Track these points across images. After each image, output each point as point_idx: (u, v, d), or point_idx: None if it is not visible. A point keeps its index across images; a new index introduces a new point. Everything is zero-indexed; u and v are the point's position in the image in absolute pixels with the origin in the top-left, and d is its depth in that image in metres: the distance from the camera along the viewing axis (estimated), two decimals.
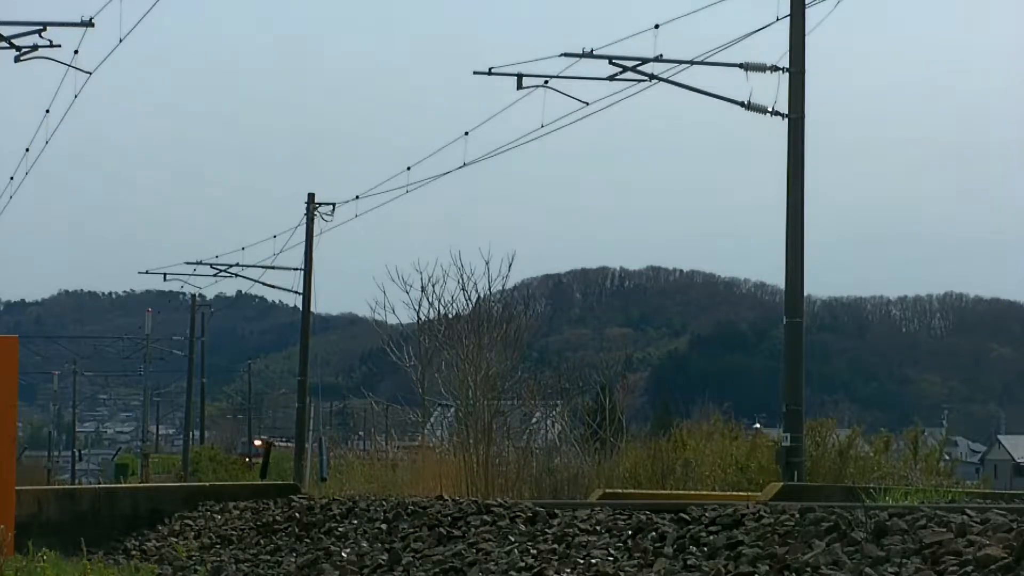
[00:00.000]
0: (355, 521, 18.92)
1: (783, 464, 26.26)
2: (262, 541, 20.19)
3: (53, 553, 18.55)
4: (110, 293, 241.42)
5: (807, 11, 27.02)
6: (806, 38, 27.09)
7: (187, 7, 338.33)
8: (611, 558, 12.71)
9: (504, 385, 34.84)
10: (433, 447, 36.63)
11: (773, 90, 27.07)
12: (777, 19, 27.02)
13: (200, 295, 77.04)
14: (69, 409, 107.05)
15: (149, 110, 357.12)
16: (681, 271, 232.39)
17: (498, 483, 31.25)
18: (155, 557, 21.05)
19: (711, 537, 12.24)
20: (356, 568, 15.68)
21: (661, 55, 28.03)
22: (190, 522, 23.85)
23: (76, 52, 26.58)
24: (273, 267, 49.92)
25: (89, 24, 25.74)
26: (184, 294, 79.49)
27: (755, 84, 27.43)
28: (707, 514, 12.98)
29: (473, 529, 15.72)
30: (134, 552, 22.16)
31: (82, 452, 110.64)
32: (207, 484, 34.56)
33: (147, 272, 58.24)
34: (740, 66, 27.61)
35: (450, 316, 37.28)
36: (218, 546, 20.88)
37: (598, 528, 13.97)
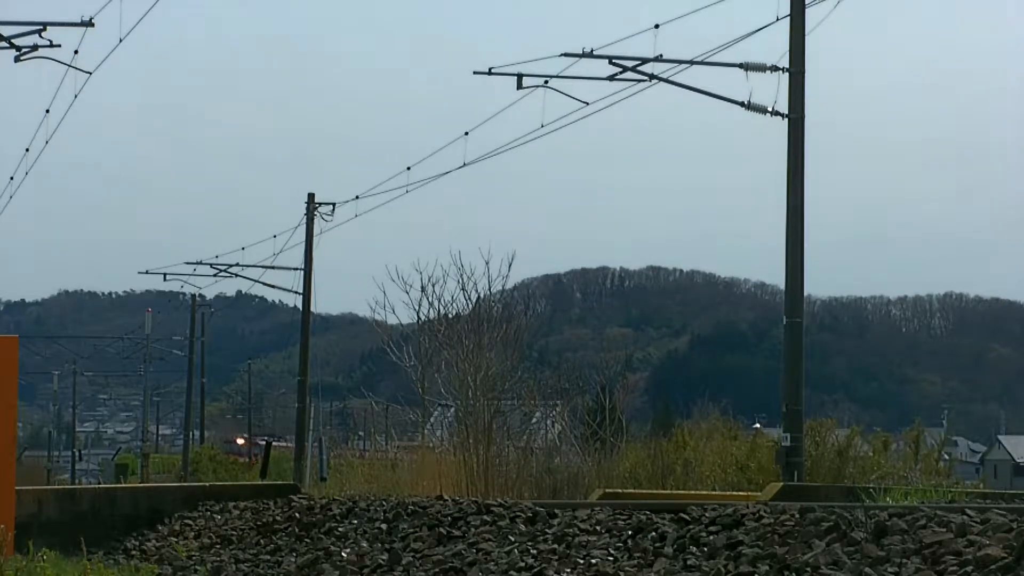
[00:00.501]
0: (355, 521, 18.92)
1: (783, 464, 26.26)
2: (262, 541, 20.19)
3: (53, 553, 18.55)
4: (110, 293, 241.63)
5: (807, 11, 27.04)
6: (806, 38, 27.11)
7: (187, 7, 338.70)
8: (611, 558, 12.71)
9: (504, 385, 34.83)
10: (433, 447, 36.61)
11: (773, 90, 27.11)
12: (777, 19, 27.05)
13: (200, 295, 77.09)
14: (69, 409, 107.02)
15: (149, 110, 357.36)
16: (681, 271, 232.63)
17: (498, 483, 31.24)
18: (155, 557, 21.05)
19: (711, 537, 12.23)
20: (356, 568, 15.68)
21: (661, 55, 28.05)
22: (190, 522, 23.84)
23: (76, 52, 26.61)
24: (273, 267, 49.98)
25: (89, 24, 25.75)
26: (184, 294, 79.52)
27: (755, 84, 27.47)
28: (707, 514, 12.98)
29: (473, 529, 15.72)
30: (134, 552, 22.17)
31: (82, 452, 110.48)
32: (207, 484, 34.53)
33: (147, 272, 58.30)
34: (740, 66, 27.61)
35: (450, 316, 37.27)
36: (218, 546, 20.88)
37: (598, 528, 13.97)
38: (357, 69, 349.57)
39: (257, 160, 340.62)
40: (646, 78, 28.42)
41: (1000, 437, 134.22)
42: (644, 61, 28.16)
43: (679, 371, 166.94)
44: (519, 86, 28.90)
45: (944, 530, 10.39)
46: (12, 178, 39.34)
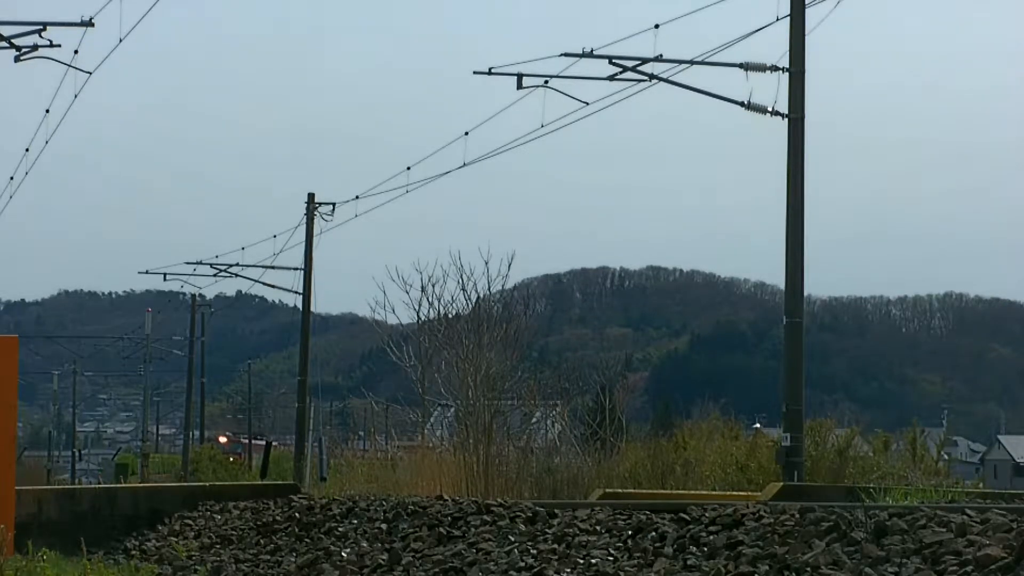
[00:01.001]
0: (355, 521, 18.91)
1: (783, 464, 26.27)
2: (262, 541, 20.18)
3: (53, 553, 18.54)
4: (110, 293, 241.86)
5: (807, 11, 27.05)
6: (806, 38, 27.11)
7: (187, 7, 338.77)
8: (611, 558, 12.70)
9: (504, 385, 34.81)
10: (433, 447, 36.59)
11: (773, 90, 27.12)
12: (777, 19, 27.06)
13: (200, 295, 77.08)
14: (69, 409, 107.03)
15: (149, 110, 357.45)
16: (681, 271, 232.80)
17: (498, 483, 31.23)
18: (155, 557, 21.04)
19: (711, 537, 12.23)
20: (356, 568, 15.68)
21: (661, 55, 28.05)
22: (190, 522, 23.83)
23: (76, 52, 26.62)
24: (273, 267, 50.01)
25: (89, 24, 25.75)
26: (184, 294, 79.54)
27: (755, 84, 27.47)
28: (707, 514, 12.98)
29: (473, 529, 15.71)
30: (134, 552, 22.15)
31: (82, 452, 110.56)
32: (207, 484, 34.52)
33: (147, 272, 58.39)
34: (740, 66, 27.61)
35: (450, 316, 37.27)
36: (218, 546, 20.88)
37: (598, 528, 13.97)
38: (357, 69, 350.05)
39: (257, 160, 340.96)
40: (646, 78, 28.42)
41: (1000, 437, 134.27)
42: (644, 61, 28.17)
43: (679, 371, 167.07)
44: (519, 86, 28.91)
45: (944, 530, 10.39)
46: (12, 178, 39.40)
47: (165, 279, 57.17)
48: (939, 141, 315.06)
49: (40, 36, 26.04)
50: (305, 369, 48.01)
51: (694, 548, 12.19)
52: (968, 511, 11.19)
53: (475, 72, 29.55)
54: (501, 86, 33.52)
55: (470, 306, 36.84)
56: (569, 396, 38.02)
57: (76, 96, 28.96)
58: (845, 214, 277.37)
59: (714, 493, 26.30)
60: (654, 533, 13.03)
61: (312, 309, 48.63)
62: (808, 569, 10.33)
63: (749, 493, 23.26)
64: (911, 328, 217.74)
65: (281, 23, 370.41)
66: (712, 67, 28.11)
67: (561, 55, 28.23)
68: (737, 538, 11.88)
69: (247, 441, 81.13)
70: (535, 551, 13.64)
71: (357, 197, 43.68)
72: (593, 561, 12.66)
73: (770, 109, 27.20)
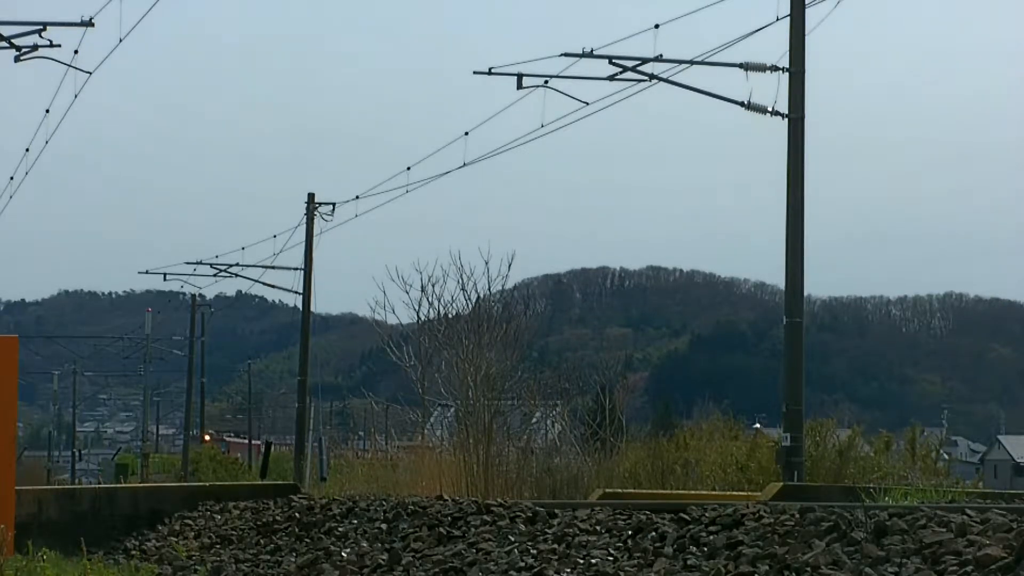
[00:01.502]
0: (355, 521, 18.91)
1: (783, 464, 26.26)
2: (262, 541, 20.18)
3: (53, 553, 18.55)
4: (110, 293, 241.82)
5: (807, 11, 27.04)
6: (806, 38, 27.10)
7: (187, 7, 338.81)
8: (611, 558, 12.70)
9: (504, 385, 34.81)
10: (433, 447, 36.60)
11: (773, 90, 27.11)
12: (777, 19, 27.05)
13: (200, 295, 77.09)
14: (69, 409, 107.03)
15: (149, 110, 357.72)
16: (681, 271, 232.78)
17: (498, 483, 31.23)
18: (155, 557, 21.04)
19: (711, 537, 12.23)
20: (356, 568, 15.68)
21: (661, 55, 28.05)
22: (190, 522, 23.83)
23: (76, 52, 26.62)
24: (273, 267, 50.01)
25: (89, 24, 25.75)
26: (184, 294, 79.54)
27: (755, 84, 27.47)
28: (707, 514, 12.98)
29: (473, 529, 15.71)
30: (134, 552, 22.14)
31: (82, 452, 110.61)
32: (207, 484, 34.53)
33: (147, 272, 58.39)
34: (740, 66, 27.61)
35: (450, 316, 37.27)
36: (218, 546, 20.88)
37: (598, 528, 13.97)
38: (357, 69, 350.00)
39: (257, 160, 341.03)
40: (646, 78, 28.42)
41: (1000, 437, 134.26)
42: (644, 61, 28.16)
43: (679, 371, 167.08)
44: (519, 86, 28.90)
45: (944, 530, 10.39)
46: (12, 178, 39.40)
47: (165, 279, 57.22)
48: (939, 141, 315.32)
49: (40, 36, 26.05)
50: (305, 369, 48.03)
51: (694, 548, 12.19)
52: (968, 511, 11.19)
53: (475, 72, 29.58)
54: (501, 86, 33.55)
55: (470, 306, 36.85)
56: (569, 396, 38.01)
57: (76, 96, 28.99)
58: (845, 214, 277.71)
59: (714, 493, 26.30)
60: (654, 533, 13.03)
61: (312, 309, 48.66)
62: (808, 569, 10.33)
63: (749, 493, 23.26)
64: (911, 328, 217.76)
65: (281, 23, 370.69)
66: (712, 67, 28.14)
67: (561, 55, 28.25)
68: (737, 538, 11.88)
69: (232, 439, 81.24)
70: (535, 551, 13.64)
71: (357, 197, 43.72)
72: (593, 561, 12.66)
73: (770, 109, 27.20)
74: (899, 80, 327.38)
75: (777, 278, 30.22)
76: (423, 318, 38.60)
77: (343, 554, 16.65)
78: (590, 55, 28.04)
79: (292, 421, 53.33)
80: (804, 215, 27.08)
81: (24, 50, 26.04)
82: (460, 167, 35.16)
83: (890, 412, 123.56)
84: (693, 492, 26.46)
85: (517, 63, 29.03)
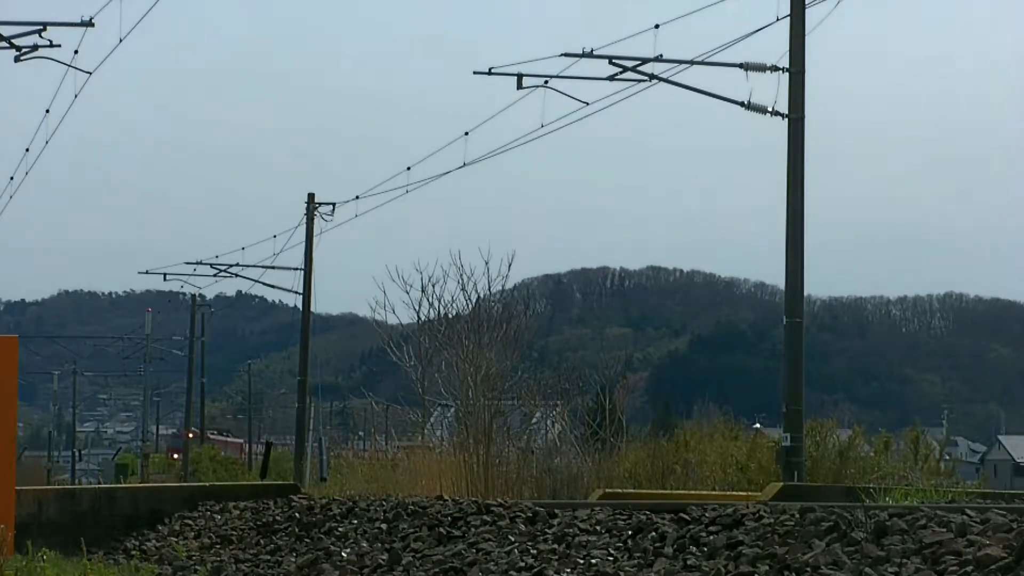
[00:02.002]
0: (355, 521, 18.92)
1: (783, 464, 26.26)
2: (262, 541, 20.19)
3: (53, 553, 18.53)
4: (110, 293, 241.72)
5: (807, 11, 27.04)
6: (806, 38, 27.11)
7: (187, 7, 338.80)
8: (611, 558, 12.70)
9: (504, 385, 34.81)
10: (433, 447, 36.59)
11: (773, 90, 27.12)
12: (777, 19, 27.06)
13: (200, 295, 77.17)
14: (69, 409, 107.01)
15: (149, 110, 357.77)
16: (681, 271, 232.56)
17: (498, 483, 31.22)
18: (155, 557, 21.05)
19: (711, 537, 12.23)
20: (356, 568, 15.68)
21: (661, 55, 28.05)
22: (190, 522, 23.84)
23: (76, 52, 26.63)
24: (273, 267, 50.03)
25: (89, 24, 25.75)
26: (184, 294, 79.59)
27: (755, 84, 27.48)
28: (707, 514, 12.98)
29: (473, 529, 15.72)
30: (134, 552, 22.15)
31: (82, 452, 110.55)
32: (207, 484, 34.54)
33: (147, 272, 58.39)
34: (740, 66, 27.61)
35: (450, 316, 37.27)
36: (218, 546, 20.89)
37: (598, 528, 13.97)
38: (357, 69, 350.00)
39: (257, 160, 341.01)
40: (646, 78, 28.42)
41: (1000, 437, 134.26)
42: (644, 61, 28.16)
43: (679, 371, 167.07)
44: (519, 86, 28.91)
45: (944, 530, 10.39)
46: (12, 178, 39.43)
47: (165, 279, 57.24)
48: (939, 141, 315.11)
49: (40, 36, 26.05)
50: (305, 369, 48.03)
51: (694, 548, 12.19)
52: (968, 511, 11.20)
53: (475, 72, 29.58)
54: (501, 86, 33.53)
55: (470, 306, 36.86)
56: (569, 396, 37.99)
57: (76, 96, 29.00)
58: (845, 214, 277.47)
59: (714, 493, 26.31)
60: (654, 533, 13.03)
61: (312, 309, 48.66)
62: (808, 569, 10.33)
63: (749, 493, 23.26)
64: (911, 328, 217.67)
65: (281, 23, 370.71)
66: (712, 67, 28.15)
67: (561, 55, 28.26)
68: (737, 538, 11.88)
69: (216, 437, 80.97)
70: (535, 551, 13.64)
71: (357, 197, 43.73)
72: (593, 561, 12.66)
73: (770, 109, 27.20)
74: (899, 80, 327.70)
75: (777, 278, 30.22)
76: (423, 318, 38.64)
77: (343, 554, 16.66)
78: (590, 55, 28.04)
79: (292, 421, 53.33)
80: (804, 215, 27.09)
81: (24, 50, 26.04)
82: (460, 167, 35.22)
83: (890, 412, 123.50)
84: (693, 492, 26.46)
85: (517, 63, 29.07)
